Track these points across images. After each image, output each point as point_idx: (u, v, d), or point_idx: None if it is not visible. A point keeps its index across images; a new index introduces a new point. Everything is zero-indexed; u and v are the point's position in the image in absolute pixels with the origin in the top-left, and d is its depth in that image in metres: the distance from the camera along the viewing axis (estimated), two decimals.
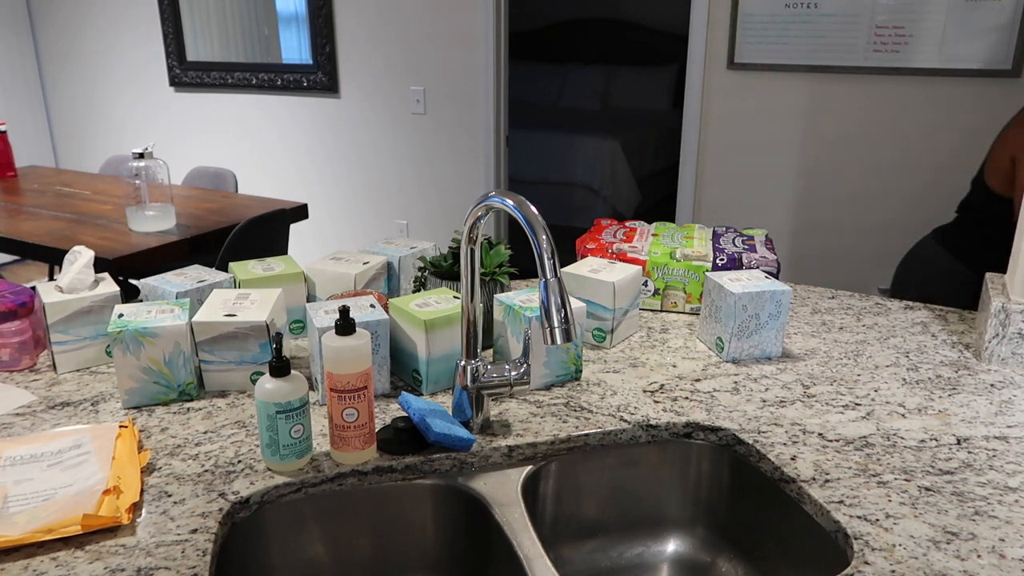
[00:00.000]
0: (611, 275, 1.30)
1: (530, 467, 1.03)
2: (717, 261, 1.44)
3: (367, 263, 1.36)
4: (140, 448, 0.99)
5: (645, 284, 1.47)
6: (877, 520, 0.88)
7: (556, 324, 0.87)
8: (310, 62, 3.82)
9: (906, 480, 0.96)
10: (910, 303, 1.55)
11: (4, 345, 1.20)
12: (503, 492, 0.97)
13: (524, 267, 3.39)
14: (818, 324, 1.44)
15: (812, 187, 3.05)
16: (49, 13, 4.55)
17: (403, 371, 1.19)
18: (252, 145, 4.15)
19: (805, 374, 1.24)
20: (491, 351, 1.27)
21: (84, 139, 4.72)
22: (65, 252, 1.25)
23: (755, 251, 1.48)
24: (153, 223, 2.53)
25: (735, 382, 1.21)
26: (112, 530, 0.85)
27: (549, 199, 4.93)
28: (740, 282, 1.28)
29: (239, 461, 0.98)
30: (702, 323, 1.35)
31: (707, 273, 1.34)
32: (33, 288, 1.27)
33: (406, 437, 1.00)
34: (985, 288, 1.36)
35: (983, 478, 0.96)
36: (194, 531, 0.85)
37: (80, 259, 1.22)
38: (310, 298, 1.37)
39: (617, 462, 1.10)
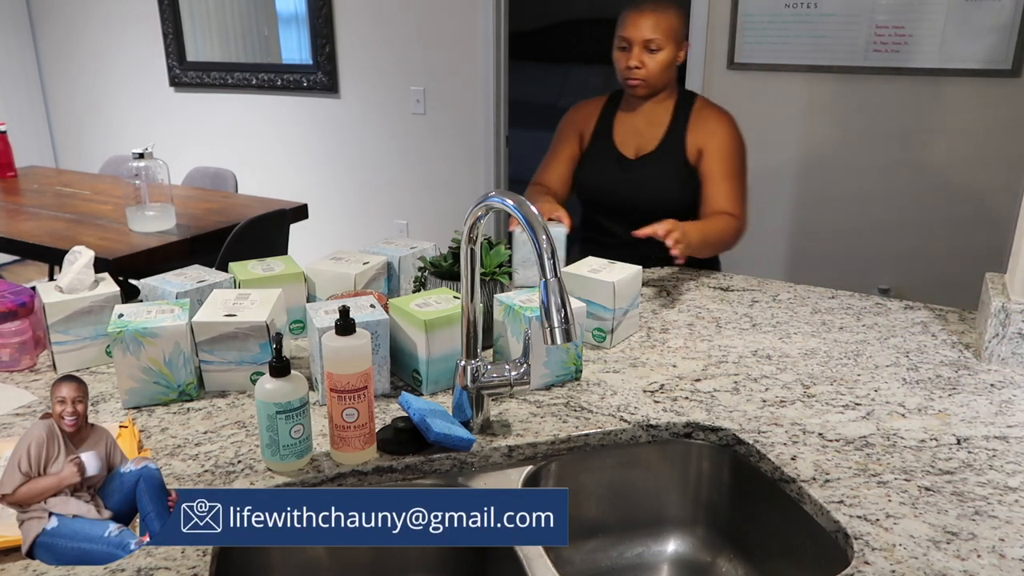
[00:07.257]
0: (611, 275, 1.30)
1: (530, 467, 1.03)
2: None
3: (367, 263, 1.36)
4: (140, 448, 0.99)
5: None
6: (877, 520, 0.88)
7: (556, 324, 0.87)
8: (310, 62, 3.82)
9: (906, 480, 0.96)
10: (910, 303, 1.55)
11: (4, 345, 1.20)
12: None
13: None
14: (818, 324, 1.44)
15: (812, 187, 3.05)
16: (49, 13, 4.54)
17: (403, 371, 1.19)
18: (252, 145, 4.15)
19: (805, 374, 1.24)
20: (491, 351, 1.27)
21: (84, 139, 4.71)
22: (65, 252, 1.24)
23: None
24: (153, 223, 2.53)
25: (735, 382, 1.21)
26: None
27: None
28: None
29: (239, 461, 0.98)
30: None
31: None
32: (33, 288, 1.26)
33: (406, 437, 0.99)
34: (985, 288, 1.36)
35: (983, 478, 0.96)
36: None
37: (80, 259, 1.22)
38: (310, 298, 1.36)
39: (617, 462, 1.10)
